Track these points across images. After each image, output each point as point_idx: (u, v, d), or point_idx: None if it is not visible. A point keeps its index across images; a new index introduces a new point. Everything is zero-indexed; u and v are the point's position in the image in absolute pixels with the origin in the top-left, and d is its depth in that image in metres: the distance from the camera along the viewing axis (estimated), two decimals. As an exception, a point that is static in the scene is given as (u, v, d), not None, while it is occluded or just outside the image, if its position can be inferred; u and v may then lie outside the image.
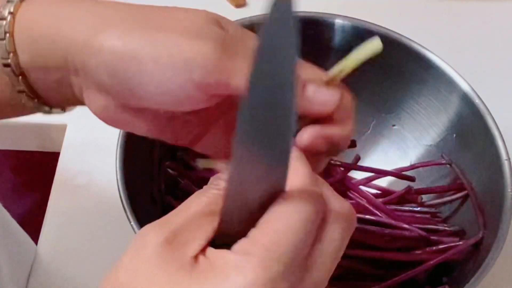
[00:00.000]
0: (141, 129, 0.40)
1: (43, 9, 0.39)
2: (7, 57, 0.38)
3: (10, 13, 0.38)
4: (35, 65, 0.38)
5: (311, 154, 0.36)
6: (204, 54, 0.35)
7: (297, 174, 0.32)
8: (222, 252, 0.30)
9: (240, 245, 0.30)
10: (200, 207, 0.31)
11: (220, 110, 0.40)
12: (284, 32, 0.27)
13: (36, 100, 0.40)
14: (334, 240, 0.32)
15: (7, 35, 0.38)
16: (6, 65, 0.38)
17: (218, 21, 0.37)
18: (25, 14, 0.38)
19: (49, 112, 0.42)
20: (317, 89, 0.38)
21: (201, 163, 0.42)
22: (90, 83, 0.38)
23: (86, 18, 0.37)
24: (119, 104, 0.38)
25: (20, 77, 0.39)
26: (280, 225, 0.30)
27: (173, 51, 0.35)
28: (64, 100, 0.41)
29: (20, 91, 0.39)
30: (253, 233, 0.30)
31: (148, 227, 0.32)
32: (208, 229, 0.31)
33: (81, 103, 0.41)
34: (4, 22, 0.38)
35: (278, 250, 0.29)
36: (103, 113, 0.40)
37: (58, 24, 0.38)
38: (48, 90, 0.40)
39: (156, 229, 0.31)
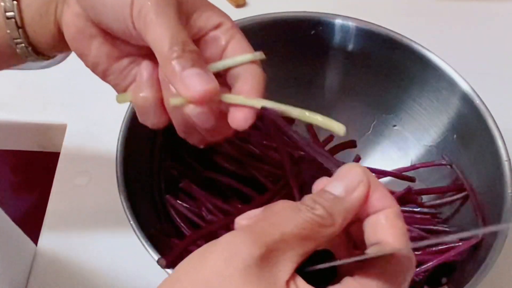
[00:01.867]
0: (94, 52, 0.45)
1: None
2: None
3: None
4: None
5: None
6: (146, 2, 0.40)
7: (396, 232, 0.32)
8: None
9: None
10: (297, 229, 0.31)
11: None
12: None
13: (20, 30, 0.44)
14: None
15: None
16: None
17: None
18: None
19: (36, 59, 0.46)
20: None
21: (118, 98, 0.46)
22: None
23: None
24: (88, 17, 0.43)
25: (15, 2, 0.44)
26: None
27: None
28: (46, 28, 0.45)
29: (9, 18, 0.44)
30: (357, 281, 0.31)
31: (242, 234, 0.31)
32: (300, 253, 0.31)
33: (59, 31, 0.45)
34: None
35: None
36: (72, 21, 0.44)
37: None
38: (34, 17, 0.44)
39: (252, 239, 0.30)
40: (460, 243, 0.55)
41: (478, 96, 0.57)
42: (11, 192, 0.93)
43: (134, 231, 0.50)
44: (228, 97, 0.43)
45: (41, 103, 0.73)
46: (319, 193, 0.32)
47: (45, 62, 0.49)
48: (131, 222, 0.50)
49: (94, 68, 0.46)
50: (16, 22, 0.44)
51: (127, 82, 0.46)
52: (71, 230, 0.64)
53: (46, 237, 0.63)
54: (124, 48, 0.45)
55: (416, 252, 0.56)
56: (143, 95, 0.44)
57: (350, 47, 0.63)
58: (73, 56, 0.74)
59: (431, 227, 0.58)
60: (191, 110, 0.41)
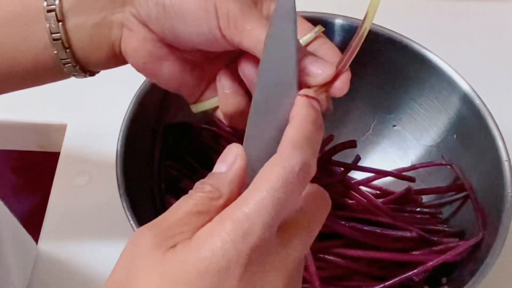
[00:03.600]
0: (167, 71, 0.45)
1: None
2: (53, 3, 0.43)
3: None
4: (78, 8, 0.43)
5: None
6: (232, 10, 0.41)
7: (294, 125, 0.35)
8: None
9: (220, 214, 0.32)
10: (188, 208, 0.33)
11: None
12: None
13: (68, 50, 0.44)
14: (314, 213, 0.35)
15: None
16: (50, 11, 0.43)
17: None
18: None
19: (83, 75, 0.47)
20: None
21: (194, 108, 0.48)
22: (134, 16, 0.43)
23: None
24: (157, 39, 0.43)
25: (60, 23, 0.43)
26: (261, 189, 0.32)
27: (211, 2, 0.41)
28: (96, 50, 0.45)
29: (56, 39, 0.43)
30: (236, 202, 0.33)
31: (139, 229, 0.33)
32: (195, 225, 0.32)
33: (113, 53, 0.45)
34: None
35: (251, 220, 0.31)
36: (141, 46, 0.44)
37: None
38: (83, 38, 0.44)
39: (147, 230, 0.33)
40: (460, 243, 0.55)
41: (478, 96, 0.57)
42: (11, 192, 0.93)
43: (134, 231, 0.50)
44: None
45: (41, 103, 0.73)
46: (207, 176, 0.35)
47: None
48: (131, 222, 0.50)
49: (167, 85, 0.46)
50: (63, 43, 0.44)
51: (201, 91, 0.47)
52: (71, 230, 0.64)
53: (46, 237, 0.63)
54: (195, 60, 0.45)
55: (416, 252, 0.56)
56: (233, 102, 0.45)
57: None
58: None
59: (431, 227, 0.58)
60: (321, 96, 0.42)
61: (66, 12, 0.43)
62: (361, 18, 0.63)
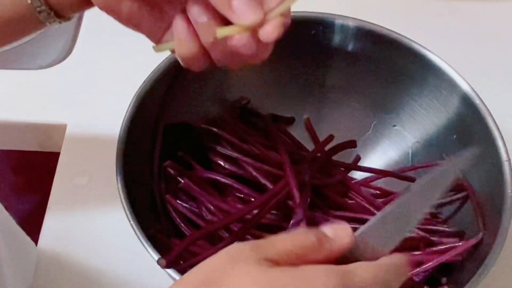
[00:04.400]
0: (126, 9, 0.45)
1: None
2: None
3: None
4: None
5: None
6: None
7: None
8: None
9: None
10: (296, 249, 0.35)
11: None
12: None
13: (43, 2, 0.46)
14: None
15: None
16: None
17: None
18: None
19: (58, 21, 0.48)
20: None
21: (156, 49, 0.48)
22: None
23: None
24: None
25: None
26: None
27: None
28: None
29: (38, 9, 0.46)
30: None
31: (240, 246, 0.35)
32: (298, 260, 0.35)
33: None
34: None
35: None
36: None
37: None
38: None
39: (250, 250, 0.35)
40: (460, 243, 0.55)
41: (478, 96, 0.57)
42: (11, 192, 0.93)
43: (134, 231, 0.50)
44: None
45: (41, 103, 0.73)
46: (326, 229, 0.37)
47: (45, 62, 0.50)
48: (131, 222, 0.50)
49: (127, 23, 0.47)
50: None
51: (162, 30, 0.47)
52: (71, 230, 0.64)
53: (46, 237, 0.63)
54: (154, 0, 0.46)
55: (416, 252, 0.56)
56: (187, 46, 0.46)
57: (350, 47, 0.63)
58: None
59: (431, 227, 0.58)
60: (240, 39, 0.44)
61: None
62: (361, 18, 0.63)
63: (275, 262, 0.34)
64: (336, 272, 0.34)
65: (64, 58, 0.52)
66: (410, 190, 0.39)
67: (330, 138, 0.63)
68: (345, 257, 0.37)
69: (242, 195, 0.58)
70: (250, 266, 0.33)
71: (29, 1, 0.46)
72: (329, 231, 0.37)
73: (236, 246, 0.35)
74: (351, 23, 0.61)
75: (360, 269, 0.35)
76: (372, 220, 0.39)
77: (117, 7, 0.46)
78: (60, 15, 0.48)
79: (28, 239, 0.63)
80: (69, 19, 0.50)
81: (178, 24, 0.46)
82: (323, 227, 0.37)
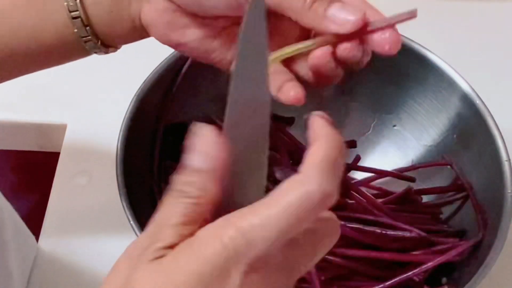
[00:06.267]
0: (190, 38, 0.44)
1: None
2: None
3: None
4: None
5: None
6: None
7: (320, 147, 0.32)
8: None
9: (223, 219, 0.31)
10: (179, 220, 0.32)
11: None
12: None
13: (88, 27, 0.44)
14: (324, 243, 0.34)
15: None
16: None
17: None
18: None
19: (105, 51, 0.46)
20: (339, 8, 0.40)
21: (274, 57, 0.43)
22: None
23: None
24: (177, 8, 0.43)
25: (78, 0, 0.43)
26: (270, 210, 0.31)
27: None
28: (117, 26, 0.45)
29: (75, 18, 0.44)
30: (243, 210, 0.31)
31: (133, 243, 0.33)
32: (187, 233, 0.32)
33: (134, 27, 0.45)
34: None
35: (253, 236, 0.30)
36: (160, 17, 0.43)
37: None
38: (102, 15, 0.44)
39: (141, 244, 0.33)
40: (460, 243, 0.55)
41: (478, 96, 0.57)
42: (11, 192, 0.93)
43: (134, 231, 0.50)
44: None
45: (41, 103, 0.73)
46: (187, 172, 0.34)
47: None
48: (131, 222, 0.50)
49: (194, 53, 0.45)
50: (82, 20, 0.44)
51: (232, 53, 0.45)
52: (71, 230, 0.64)
53: (46, 237, 0.63)
54: (218, 24, 0.44)
55: (416, 252, 0.56)
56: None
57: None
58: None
59: (431, 227, 0.58)
60: (345, 46, 0.41)
61: None
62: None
63: (172, 246, 0.31)
64: (225, 227, 0.30)
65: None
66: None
67: (330, 138, 0.63)
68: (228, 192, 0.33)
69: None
70: (148, 265, 0.31)
71: (75, 30, 0.44)
72: (196, 160, 0.33)
73: (133, 245, 0.33)
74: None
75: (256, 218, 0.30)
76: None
77: (181, 39, 0.44)
78: (107, 45, 0.46)
79: (30, 234, 0.63)
80: (117, 49, 0.48)
81: None
82: (188, 159, 0.33)
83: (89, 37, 0.45)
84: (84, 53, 0.47)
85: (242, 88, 0.33)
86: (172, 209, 0.33)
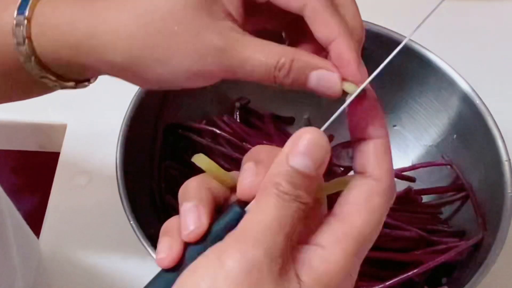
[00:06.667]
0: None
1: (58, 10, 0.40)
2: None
3: (25, 18, 0.39)
4: (48, 52, 0.40)
5: None
6: (217, 49, 0.36)
7: None
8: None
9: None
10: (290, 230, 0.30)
11: None
12: None
13: (57, 79, 0.41)
14: None
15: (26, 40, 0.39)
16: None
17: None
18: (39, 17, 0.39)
19: (74, 87, 0.43)
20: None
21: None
22: (102, 65, 0.40)
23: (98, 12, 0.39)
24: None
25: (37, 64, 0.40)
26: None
27: (190, 45, 0.37)
28: (81, 74, 0.43)
29: (42, 77, 0.41)
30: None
31: (255, 257, 0.29)
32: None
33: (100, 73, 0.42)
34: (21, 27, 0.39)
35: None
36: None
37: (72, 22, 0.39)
38: (62, 71, 0.41)
39: (265, 258, 0.30)
40: (460, 243, 0.55)
41: (478, 96, 0.57)
42: (11, 192, 0.93)
43: (134, 231, 0.50)
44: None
45: (41, 103, 0.73)
46: (298, 174, 0.31)
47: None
48: (131, 222, 0.50)
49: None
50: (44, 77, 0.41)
51: None
52: (71, 230, 0.64)
53: (46, 237, 0.63)
54: None
55: (417, 252, 0.56)
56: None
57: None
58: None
59: (431, 227, 0.58)
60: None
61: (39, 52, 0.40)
62: (361, 18, 0.63)
63: (286, 264, 0.29)
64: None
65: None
66: None
67: (330, 138, 0.63)
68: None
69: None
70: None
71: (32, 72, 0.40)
72: (303, 161, 0.31)
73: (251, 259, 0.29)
74: (351, 23, 0.61)
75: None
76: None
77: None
78: (69, 80, 0.42)
79: (33, 235, 0.63)
80: (84, 84, 0.44)
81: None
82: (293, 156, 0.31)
83: (43, 73, 0.41)
84: (50, 89, 0.43)
85: None
86: (280, 215, 0.30)
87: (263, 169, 0.32)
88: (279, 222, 0.29)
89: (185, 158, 0.61)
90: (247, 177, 0.33)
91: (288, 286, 0.29)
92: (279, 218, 0.29)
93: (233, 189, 0.34)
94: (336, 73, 0.38)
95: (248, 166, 0.33)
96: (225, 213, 0.32)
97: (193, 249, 0.31)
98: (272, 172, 0.31)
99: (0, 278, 0.52)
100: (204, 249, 0.30)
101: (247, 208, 0.31)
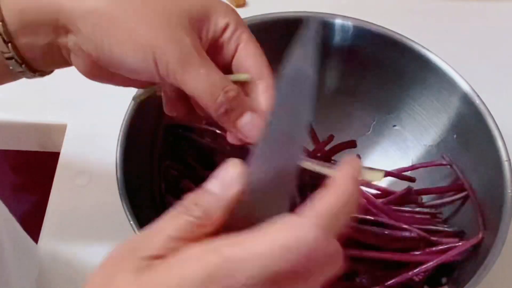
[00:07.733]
0: (117, 81, 0.47)
1: None
2: None
3: None
4: (25, 31, 0.43)
5: None
6: (171, 63, 0.42)
7: (335, 193, 0.32)
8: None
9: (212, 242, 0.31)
10: (172, 233, 0.32)
11: None
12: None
13: (23, 65, 0.45)
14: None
15: None
16: None
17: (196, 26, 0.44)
18: None
19: (33, 77, 0.47)
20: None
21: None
22: (77, 45, 0.44)
23: None
24: (97, 65, 0.44)
25: (10, 43, 0.43)
26: (260, 245, 0.30)
27: (144, 37, 0.42)
28: (51, 63, 0.46)
29: (8, 58, 0.44)
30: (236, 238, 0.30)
31: (121, 246, 0.33)
32: (175, 248, 0.31)
33: (68, 64, 0.46)
34: None
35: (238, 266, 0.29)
36: (88, 67, 0.45)
37: None
38: (36, 54, 0.44)
39: (129, 249, 0.32)
40: (460, 243, 0.55)
41: (478, 96, 0.57)
42: (11, 192, 0.93)
43: (134, 231, 0.50)
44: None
45: (41, 103, 0.73)
46: (198, 194, 0.33)
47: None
48: (131, 222, 0.50)
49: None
50: (16, 60, 0.44)
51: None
52: (71, 230, 0.64)
53: (46, 237, 0.63)
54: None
55: (417, 252, 0.56)
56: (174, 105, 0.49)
57: (350, 47, 0.63)
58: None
59: (431, 227, 0.58)
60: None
61: (13, 33, 0.43)
62: (361, 18, 0.63)
63: (157, 257, 0.31)
64: (210, 253, 0.30)
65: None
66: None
67: (330, 138, 0.63)
68: (238, 220, 0.32)
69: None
70: (127, 276, 0.31)
71: (10, 67, 0.44)
72: (214, 185, 0.33)
73: (116, 251, 0.33)
74: (350, 23, 0.61)
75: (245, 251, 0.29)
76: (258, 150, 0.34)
77: (109, 81, 0.47)
78: (35, 70, 0.46)
79: (31, 241, 0.63)
80: (47, 73, 0.48)
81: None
82: (208, 182, 0.33)
83: (24, 71, 0.45)
84: (10, 77, 0.46)
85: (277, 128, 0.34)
86: (170, 221, 0.32)
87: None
88: None
89: (185, 158, 0.61)
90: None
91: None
92: None
93: None
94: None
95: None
96: None
97: None
98: None
99: None
100: None
101: None
